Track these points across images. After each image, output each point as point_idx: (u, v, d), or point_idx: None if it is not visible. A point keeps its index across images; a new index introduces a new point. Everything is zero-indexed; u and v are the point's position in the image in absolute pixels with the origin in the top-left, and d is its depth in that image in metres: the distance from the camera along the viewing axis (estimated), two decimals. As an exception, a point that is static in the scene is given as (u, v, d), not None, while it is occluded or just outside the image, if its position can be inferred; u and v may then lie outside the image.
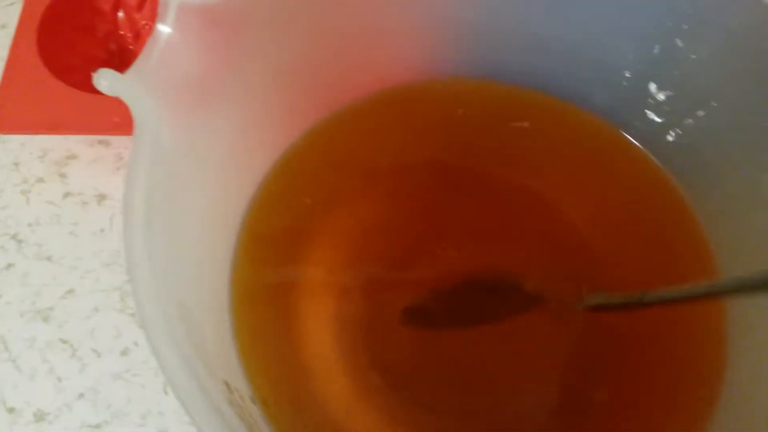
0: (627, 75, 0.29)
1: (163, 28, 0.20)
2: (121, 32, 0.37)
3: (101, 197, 0.33)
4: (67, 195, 0.33)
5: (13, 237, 0.32)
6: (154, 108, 0.19)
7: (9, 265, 0.32)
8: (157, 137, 0.19)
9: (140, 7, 0.36)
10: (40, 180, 0.34)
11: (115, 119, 0.31)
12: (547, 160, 0.30)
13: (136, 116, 0.18)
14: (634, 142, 0.30)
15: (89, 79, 0.33)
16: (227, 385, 0.20)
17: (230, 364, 0.23)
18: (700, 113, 0.28)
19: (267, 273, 0.26)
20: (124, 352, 0.30)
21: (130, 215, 0.17)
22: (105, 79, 0.18)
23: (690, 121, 0.28)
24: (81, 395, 0.29)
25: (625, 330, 0.26)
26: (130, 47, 0.37)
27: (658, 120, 0.29)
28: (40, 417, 0.29)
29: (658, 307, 0.22)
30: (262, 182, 0.28)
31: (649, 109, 0.29)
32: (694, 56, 0.27)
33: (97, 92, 0.31)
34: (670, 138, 0.29)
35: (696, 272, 0.28)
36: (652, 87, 0.29)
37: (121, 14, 0.36)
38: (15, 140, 0.35)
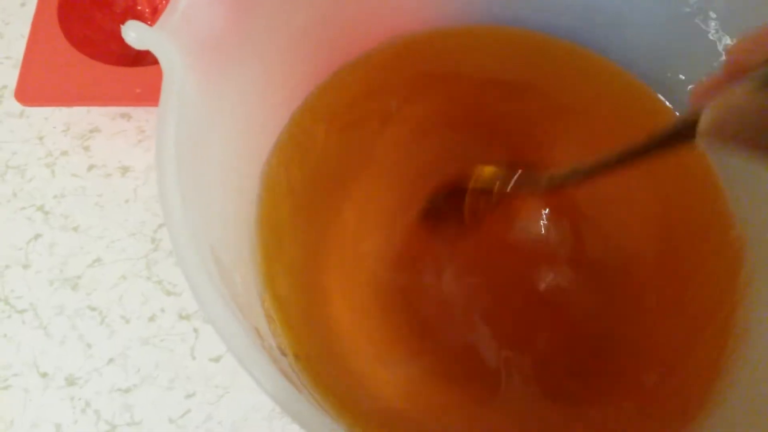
0: (649, 27, 0.29)
1: (186, -15, 0.20)
2: (139, 8, 0.37)
3: (124, 169, 0.34)
4: (91, 167, 0.34)
5: (40, 209, 0.33)
6: (181, 60, 0.19)
7: (37, 236, 0.32)
8: (184, 88, 0.19)
9: (157, -18, 0.37)
10: (65, 153, 0.34)
11: (138, 90, 0.31)
12: (557, 107, 0.30)
13: (165, 68, 0.19)
14: (652, 90, 0.30)
15: (109, 53, 0.34)
16: (258, 331, 0.20)
17: (259, 316, 0.23)
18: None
19: (290, 228, 0.27)
20: (152, 319, 0.31)
21: (163, 158, 0.17)
22: (133, 31, 0.18)
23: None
24: (111, 360, 0.30)
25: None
26: (148, 23, 0.37)
27: (679, 75, 0.29)
28: (71, 381, 0.30)
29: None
30: (280, 135, 0.28)
31: (671, 63, 0.29)
32: (713, 13, 0.27)
33: (118, 64, 0.32)
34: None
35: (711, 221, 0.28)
36: (676, 41, 0.29)
37: (138, -10, 0.37)
38: (38, 114, 0.35)
